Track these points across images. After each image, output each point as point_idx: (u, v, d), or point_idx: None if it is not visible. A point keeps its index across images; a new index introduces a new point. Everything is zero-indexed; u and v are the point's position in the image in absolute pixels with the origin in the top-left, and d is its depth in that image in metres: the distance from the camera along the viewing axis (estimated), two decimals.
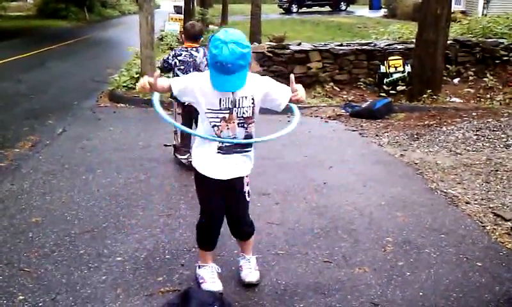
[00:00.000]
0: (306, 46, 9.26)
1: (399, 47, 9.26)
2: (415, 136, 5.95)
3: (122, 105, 7.65)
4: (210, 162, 2.53)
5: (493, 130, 5.92)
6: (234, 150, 2.51)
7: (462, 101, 8.20)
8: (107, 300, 2.64)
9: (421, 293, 2.74)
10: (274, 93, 2.46)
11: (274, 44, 9.56)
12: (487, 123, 6.21)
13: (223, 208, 2.67)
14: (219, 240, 2.78)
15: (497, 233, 3.45)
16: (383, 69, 8.58)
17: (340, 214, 3.77)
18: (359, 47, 9.26)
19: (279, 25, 19.86)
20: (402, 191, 4.24)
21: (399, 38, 10.97)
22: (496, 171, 4.64)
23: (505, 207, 3.88)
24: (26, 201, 3.91)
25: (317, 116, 7.23)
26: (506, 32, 9.99)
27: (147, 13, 8.43)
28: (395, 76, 8.43)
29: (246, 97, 2.42)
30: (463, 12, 19.04)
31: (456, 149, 5.38)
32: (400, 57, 8.60)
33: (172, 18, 16.17)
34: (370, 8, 30.62)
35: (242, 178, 2.62)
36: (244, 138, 2.50)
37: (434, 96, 7.88)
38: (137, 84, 2.46)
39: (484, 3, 19.53)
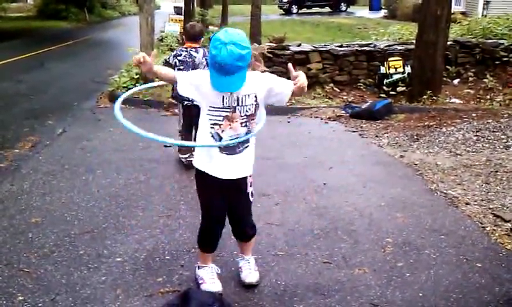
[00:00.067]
0: (306, 47, 9.24)
1: (399, 47, 9.24)
2: (415, 137, 5.94)
3: (122, 105, 7.53)
4: (214, 162, 2.53)
5: (493, 131, 5.91)
6: (238, 150, 2.51)
7: (462, 102, 8.20)
8: (107, 301, 2.64)
9: (421, 294, 2.75)
10: (278, 87, 2.48)
11: (274, 45, 9.53)
12: (487, 124, 6.20)
13: (223, 209, 2.66)
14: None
15: (497, 234, 3.45)
16: (382, 70, 8.57)
17: (340, 215, 3.77)
18: (359, 48, 9.24)
19: (279, 26, 19.87)
20: (402, 192, 4.24)
21: (399, 39, 10.96)
22: (496, 172, 4.64)
23: (505, 208, 3.87)
24: (26, 201, 3.91)
25: (317, 117, 7.22)
26: (506, 33, 9.96)
27: (147, 14, 8.44)
28: (395, 77, 8.42)
29: (248, 95, 2.43)
30: (463, 13, 19.05)
31: (456, 150, 5.38)
32: (400, 58, 8.58)
33: (172, 19, 16.19)
34: (370, 9, 30.61)
35: (246, 178, 2.62)
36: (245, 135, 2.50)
37: (434, 97, 7.88)
38: (133, 57, 2.49)
39: (484, 4, 19.55)
